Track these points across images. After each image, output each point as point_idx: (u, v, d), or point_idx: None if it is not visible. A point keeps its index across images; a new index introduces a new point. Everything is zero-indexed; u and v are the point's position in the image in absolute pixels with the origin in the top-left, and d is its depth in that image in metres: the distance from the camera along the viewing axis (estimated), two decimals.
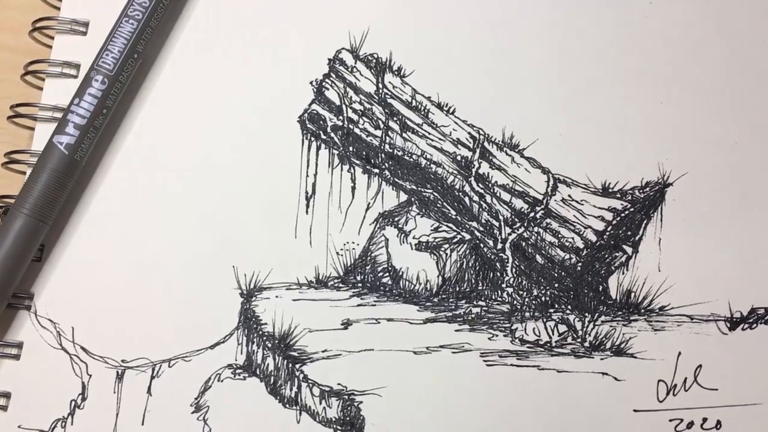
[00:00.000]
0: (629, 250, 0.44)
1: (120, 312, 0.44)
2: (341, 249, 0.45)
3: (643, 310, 0.43)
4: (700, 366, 0.42)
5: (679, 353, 0.42)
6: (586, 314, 0.43)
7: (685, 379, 0.42)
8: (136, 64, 0.46)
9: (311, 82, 0.47)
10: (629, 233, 0.44)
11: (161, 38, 0.47)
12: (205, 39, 0.47)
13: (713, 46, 0.46)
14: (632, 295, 0.43)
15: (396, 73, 0.47)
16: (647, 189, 0.44)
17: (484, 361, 0.43)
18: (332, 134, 0.46)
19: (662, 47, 0.46)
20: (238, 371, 0.44)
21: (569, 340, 0.43)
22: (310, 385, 0.43)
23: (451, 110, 0.46)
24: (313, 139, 0.46)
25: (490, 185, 0.45)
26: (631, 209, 0.44)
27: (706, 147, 0.45)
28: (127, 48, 0.45)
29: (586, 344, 0.43)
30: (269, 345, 0.44)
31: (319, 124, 0.46)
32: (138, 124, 0.47)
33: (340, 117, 0.46)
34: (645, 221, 0.44)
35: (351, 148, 0.46)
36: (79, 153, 0.44)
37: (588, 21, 0.46)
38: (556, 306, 0.43)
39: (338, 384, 0.43)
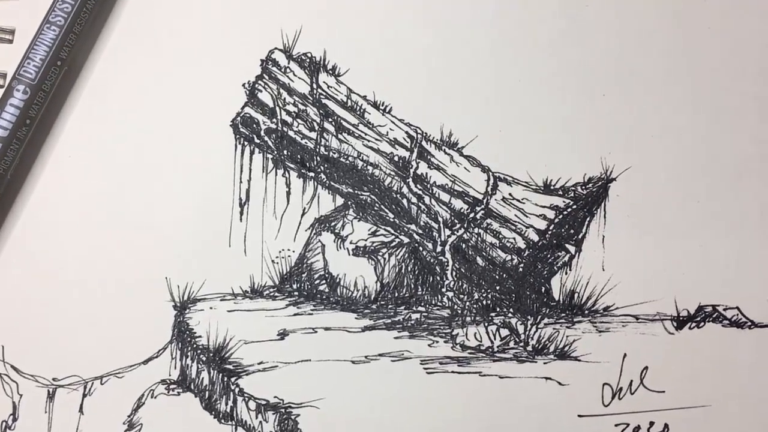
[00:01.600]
0: (572, 249, 0.42)
1: (50, 329, 0.43)
2: (277, 257, 0.43)
3: (587, 311, 0.42)
4: (647, 368, 0.40)
5: (625, 355, 0.41)
6: (529, 317, 0.42)
7: (631, 381, 0.40)
8: (60, 72, 0.44)
9: (243, 85, 0.45)
10: (572, 232, 0.42)
11: (87, 44, 0.46)
12: (134, 43, 0.46)
13: (656, 34, 0.44)
14: (576, 295, 0.42)
15: (330, 72, 0.45)
16: (590, 185, 0.43)
17: (425, 368, 0.41)
18: (266, 138, 0.45)
19: (603, 37, 0.44)
20: (172, 387, 0.42)
21: (511, 344, 0.41)
22: (246, 398, 0.42)
23: (387, 109, 0.45)
24: (246, 143, 0.45)
25: (428, 186, 0.44)
26: (574, 207, 0.42)
27: (649, 140, 0.43)
28: (49, 55, 0.44)
29: (529, 348, 0.41)
30: (204, 358, 0.42)
31: (252, 127, 0.45)
32: (66, 133, 0.45)
33: (274, 120, 0.45)
34: (588, 219, 0.42)
35: (285, 152, 0.44)
36: (2, 165, 0.43)
37: (525, 11, 0.45)
38: (498, 309, 0.42)
39: (275, 397, 0.42)
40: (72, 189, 0.44)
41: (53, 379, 0.42)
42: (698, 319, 0.41)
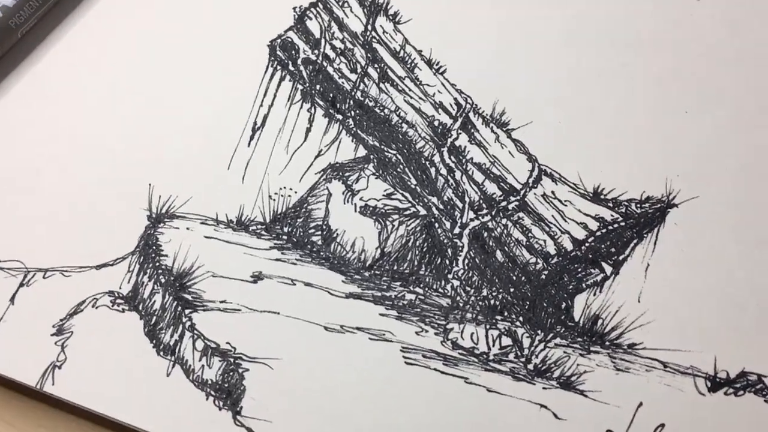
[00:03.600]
0: (608, 269, 0.36)
1: (7, 201, 0.38)
2: (276, 193, 0.38)
3: (608, 343, 0.35)
4: (663, 426, 0.33)
5: (640, 404, 0.34)
6: (539, 332, 0.35)
7: None
8: None
9: (294, 8, 0.41)
10: (613, 250, 0.36)
11: None
12: None
13: (763, 61, 0.38)
14: (600, 322, 0.35)
15: (390, 18, 0.41)
16: (646, 205, 0.37)
17: (404, 357, 0.35)
18: (301, 67, 0.40)
19: (706, 47, 0.39)
20: (118, 301, 0.37)
21: (511, 357, 0.35)
22: (195, 336, 0.36)
23: (441, 70, 0.40)
24: (279, 68, 0.40)
25: (463, 161, 0.38)
26: (622, 223, 0.36)
27: (726, 173, 0.37)
28: None
29: (530, 366, 0.35)
30: (162, 280, 0.37)
31: (290, 53, 0.40)
32: (96, 7, 0.41)
33: (316, 51, 0.40)
34: (635, 241, 0.36)
35: (318, 87, 0.40)
36: (15, 20, 0.39)
37: (622, 3, 0.40)
38: (505, 314, 0.36)
39: (227, 343, 0.36)
40: (83, 64, 0.40)
41: None
42: (738, 385, 0.34)
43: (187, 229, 0.38)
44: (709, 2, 0.39)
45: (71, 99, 0.40)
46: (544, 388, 0.34)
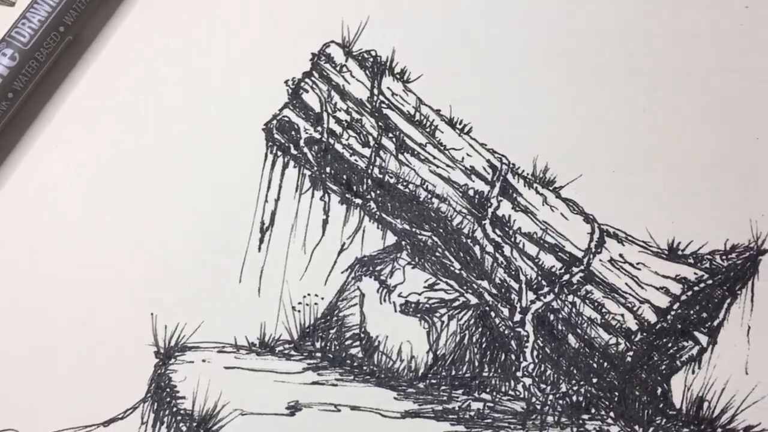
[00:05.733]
0: (704, 339, 0.31)
1: None
2: (299, 303, 0.33)
3: (720, 429, 0.30)
4: None
5: None
6: (637, 427, 0.30)
7: None
8: (61, 41, 0.36)
9: (286, 82, 0.35)
10: (704, 315, 0.31)
11: (101, 14, 0.37)
12: (156, 18, 0.37)
13: None
14: (705, 405, 0.30)
15: (398, 77, 0.35)
16: (733, 255, 0.31)
17: None
18: (305, 149, 0.35)
19: None
20: None
21: None
22: None
23: (466, 129, 0.34)
24: (279, 153, 0.35)
25: (511, 232, 0.33)
26: (709, 282, 0.31)
27: None
28: (49, 19, 0.35)
29: None
30: (184, 429, 0.31)
31: (290, 135, 0.35)
32: (58, 117, 0.36)
33: (319, 128, 0.35)
34: (728, 301, 0.31)
35: (328, 169, 0.34)
36: None
37: (679, 22, 0.34)
38: (593, 411, 0.30)
39: None
40: (52, 184, 0.35)
41: None
42: None
43: (203, 361, 0.32)
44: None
45: (45, 222, 0.34)
46: None
